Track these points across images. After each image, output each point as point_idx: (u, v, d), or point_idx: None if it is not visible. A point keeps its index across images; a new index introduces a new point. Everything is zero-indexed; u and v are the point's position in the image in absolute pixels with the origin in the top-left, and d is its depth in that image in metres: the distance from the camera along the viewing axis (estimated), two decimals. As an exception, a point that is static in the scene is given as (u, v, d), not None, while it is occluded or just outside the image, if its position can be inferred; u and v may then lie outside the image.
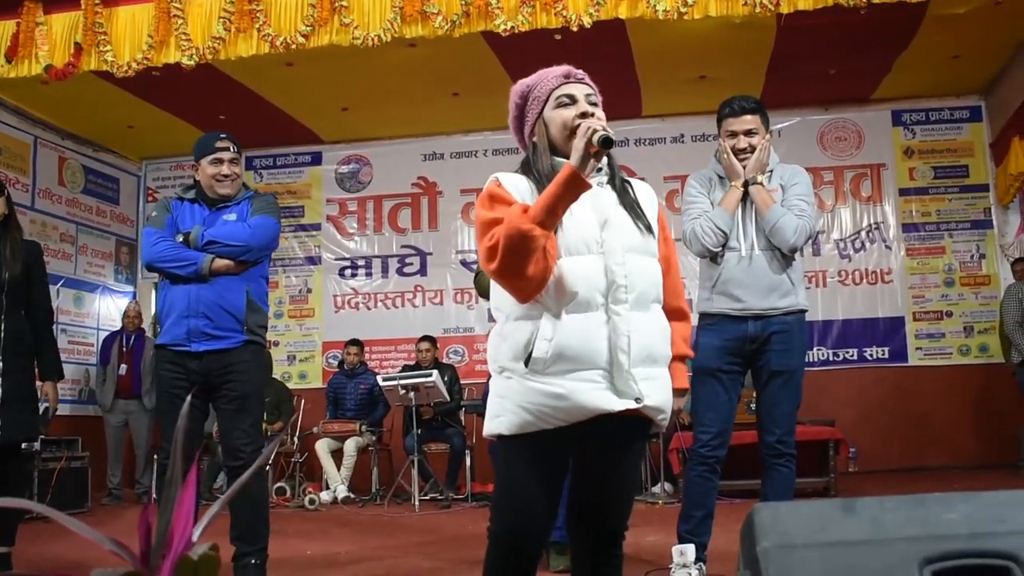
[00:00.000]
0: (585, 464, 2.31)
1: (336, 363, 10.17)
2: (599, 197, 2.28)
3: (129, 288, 11.28)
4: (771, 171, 3.95)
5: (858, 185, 10.23)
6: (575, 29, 5.28)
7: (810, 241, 3.86)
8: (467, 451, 8.53)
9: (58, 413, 8.76)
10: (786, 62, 8.84)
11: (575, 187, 2.10)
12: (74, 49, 5.92)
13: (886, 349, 9.90)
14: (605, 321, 2.18)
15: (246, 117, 9.86)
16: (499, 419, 2.23)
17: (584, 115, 2.26)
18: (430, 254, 10.83)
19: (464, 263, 10.58)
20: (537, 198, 2.15)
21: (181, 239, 4.05)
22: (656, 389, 2.24)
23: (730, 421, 3.92)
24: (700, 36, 7.96)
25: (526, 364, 2.17)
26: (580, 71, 2.39)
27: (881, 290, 10.02)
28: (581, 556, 2.37)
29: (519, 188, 2.25)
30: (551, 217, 2.11)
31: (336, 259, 11.02)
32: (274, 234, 4.19)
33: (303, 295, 11.02)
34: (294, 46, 5.65)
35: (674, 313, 2.42)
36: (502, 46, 7.96)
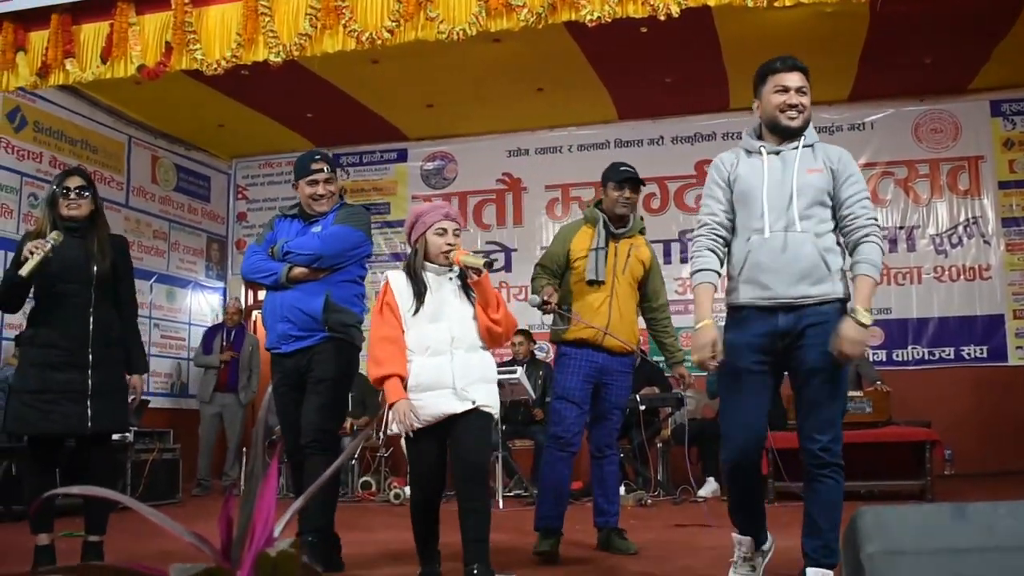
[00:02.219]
0: (454, 440, 3.72)
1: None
2: (444, 288, 3.76)
3: (220, 284, 11.52)
4: (809, 146, 3.46)
5: (955, 178, 9.90)
6: (662, 18, 5.17)
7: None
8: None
9: (151, 406, 9.05)
10: (880, 52, 8.60)
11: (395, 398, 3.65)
12: (165, 48, 6.02)
13: (984, 348, 9.56)
14: (450, 361, 3.66)
15: (333, 115, 9.98)
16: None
17: (451, 245, 3.72)
18: (515, 250, 10.80)
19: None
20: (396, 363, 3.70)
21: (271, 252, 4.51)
22: (485, 394, 3.70)
23: (758, 429, 3.47)
24: (790, 25, 7.77)
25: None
26: (455, 212, 3.83)
27: (979, 287, 9.67)
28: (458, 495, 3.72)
29: (400, 288, 3.74)
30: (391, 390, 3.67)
31: (421, 255, 11.06)
32: (350, 243, 4.51)
33: (388, 291, 11.07)
34: (379, 41, 5.65)
35: None
36: (587, 40, 7.90)
